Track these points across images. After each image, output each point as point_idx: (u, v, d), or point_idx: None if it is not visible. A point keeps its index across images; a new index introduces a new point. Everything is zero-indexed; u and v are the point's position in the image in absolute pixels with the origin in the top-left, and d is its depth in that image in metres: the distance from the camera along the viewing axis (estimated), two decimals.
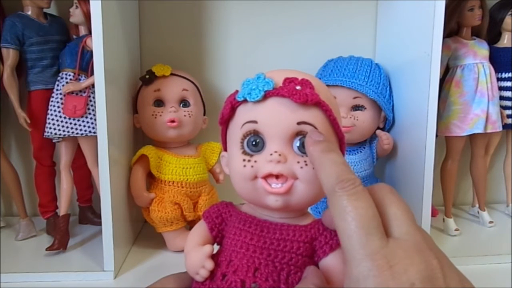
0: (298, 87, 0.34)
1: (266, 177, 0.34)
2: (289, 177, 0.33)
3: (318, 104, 0.34)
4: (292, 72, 0.36)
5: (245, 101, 0.35)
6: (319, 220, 0.36)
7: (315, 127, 0.34)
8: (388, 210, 0.28)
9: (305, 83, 0.35)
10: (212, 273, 0.34)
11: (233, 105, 0.36)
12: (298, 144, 0.34)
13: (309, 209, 0.40)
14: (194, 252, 0.35)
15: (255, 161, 0.34)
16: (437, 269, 0.25)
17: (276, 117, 0.34)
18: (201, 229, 0.38)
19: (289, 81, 0.35)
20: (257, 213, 0.37)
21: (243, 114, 0.36)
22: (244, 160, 0.34)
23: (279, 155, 0.33)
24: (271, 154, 0.33)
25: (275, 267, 0.33)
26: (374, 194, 0.29)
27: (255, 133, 0.35)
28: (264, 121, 0.34)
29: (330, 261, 0.34)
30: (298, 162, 0.33)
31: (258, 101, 0.34)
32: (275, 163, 0.33)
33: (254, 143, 0.35)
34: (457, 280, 0.25)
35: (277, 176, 0.33)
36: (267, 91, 0.34)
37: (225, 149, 0.40)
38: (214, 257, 0.35)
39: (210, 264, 0.34)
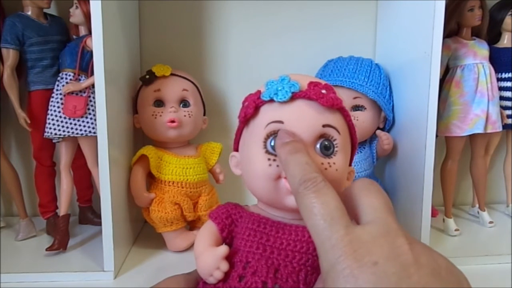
0: (323, 91, 0.35)
1: None
2: None
3: (341, 108, 0.36)
4: (310, 76, 0.37)
5: (270, 101, 0.36)
6: None
7: (338, 131, 0.35)
8: (364, 199, 0.28)
9: (328, 87, 0.36)
10: (226, 275, 0.34)
11: (257, 104, 0.36)
12: (320, 145, 0.35)
13: None
14: (207, 253, 0.35)
15: None
16: (403, 246, 0.24)
17: (303, 119, 0.34)
18: (210, 230, 0.38)
19: (314, 84, 0.35)
20: (268, 214, 0.37)
21: (267, 114, 0.36)
22: (269, 159, 0.34)
23: None
24: None
25: (293, 268, 0.33)
26: (354, 188, 0.30)
27: None
28: (290, 122, 0.34)
29: None
30: (322, 163, 0.34)
31: (285, 102, 0.35)
32: None
33: None
34: (427, 255, 0.25)
35: None
36: (294, 93, 0.35)
37: (236, 149, 0.40)
38: (225, 258, 0.35)
39: (225, 266, 0.34)
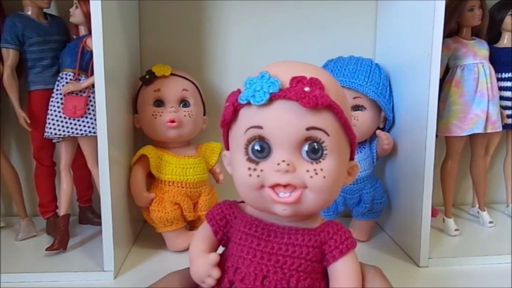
0: (306, 89, 0.31)
1: (273, 186, 0.32)
2: (298, 186, 0.31)
3: (329, 106, 0.32)
4: (298, 66, 0.34)
5: (249, 103, 0.33)
6: (328, 222, 0.35)
7: (326, 133, 0.32)
8: None
9: (314, 82, 0.32)
10: (219, 280, 0.34)
11: (235, 107, 0.34)
12: (307, 149, 0.32)
13: None
14: (200, 259, 0.34)
15: (261, 170, 0.32)
16: None
17: (283, 123, 0.31)
18: (205, 233, 0.37)
19: (296, 81, 0.32)
20: (263, 216, 0.35)
21: (247, 118, 0.33)
22: (249, 168, 0.32)
23: (287, 164, 0.31)
24: (278, 164, 0.31)
25: (284, 274, 0.32)
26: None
27: (260, 139, 0.33)
28: (270, 127, 0.32)
29: (340, 267, 0.33)
30: (308, 170, 0.32)
31: (263, 105, 0.32)
32: (283, 173, 0.31)
33: (259, 149, 0.32)
34: None
35: (285, 185, 0.31)
36: (272, 93, 0.31)
37: (227, 148, 0.38)
38: (220, 262, 0.34)
39: (216, 273, 0.33)
